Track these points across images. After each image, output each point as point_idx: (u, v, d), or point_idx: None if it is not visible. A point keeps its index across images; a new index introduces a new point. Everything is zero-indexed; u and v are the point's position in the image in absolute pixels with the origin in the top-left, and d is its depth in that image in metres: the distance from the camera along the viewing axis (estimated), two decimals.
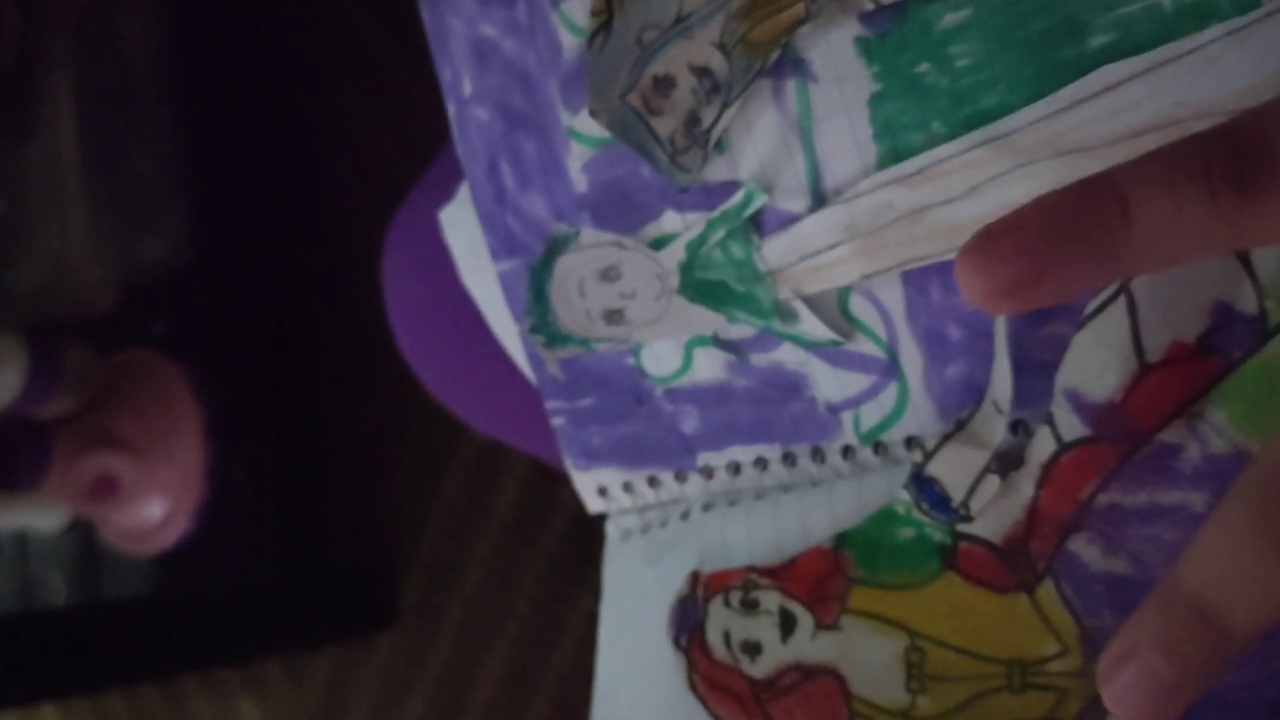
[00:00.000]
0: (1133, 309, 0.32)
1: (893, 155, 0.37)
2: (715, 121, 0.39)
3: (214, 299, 1.42)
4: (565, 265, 0.42)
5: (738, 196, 0.40)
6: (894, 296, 0.39)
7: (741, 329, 0.42)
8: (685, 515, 0.45)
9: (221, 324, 1.42)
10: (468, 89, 0.46)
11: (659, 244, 0.42)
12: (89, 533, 1.42)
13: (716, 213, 0.40)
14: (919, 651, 0.37)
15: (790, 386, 0.42)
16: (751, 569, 0.39)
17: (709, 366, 0.43)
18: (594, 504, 0.48)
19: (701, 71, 0.39)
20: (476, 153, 0.46)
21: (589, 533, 1.31)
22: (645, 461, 0.46)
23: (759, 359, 0.42)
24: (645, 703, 0.45)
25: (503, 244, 0.47)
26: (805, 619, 0.39)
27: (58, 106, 1.42)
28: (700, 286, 0.41)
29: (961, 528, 0.36)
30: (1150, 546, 0.33)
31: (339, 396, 1.47)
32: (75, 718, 1.69)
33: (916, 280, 0.38)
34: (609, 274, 0.41)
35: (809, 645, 0.38)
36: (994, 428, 0.36)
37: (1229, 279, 0.32)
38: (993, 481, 0.35)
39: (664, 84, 0.39)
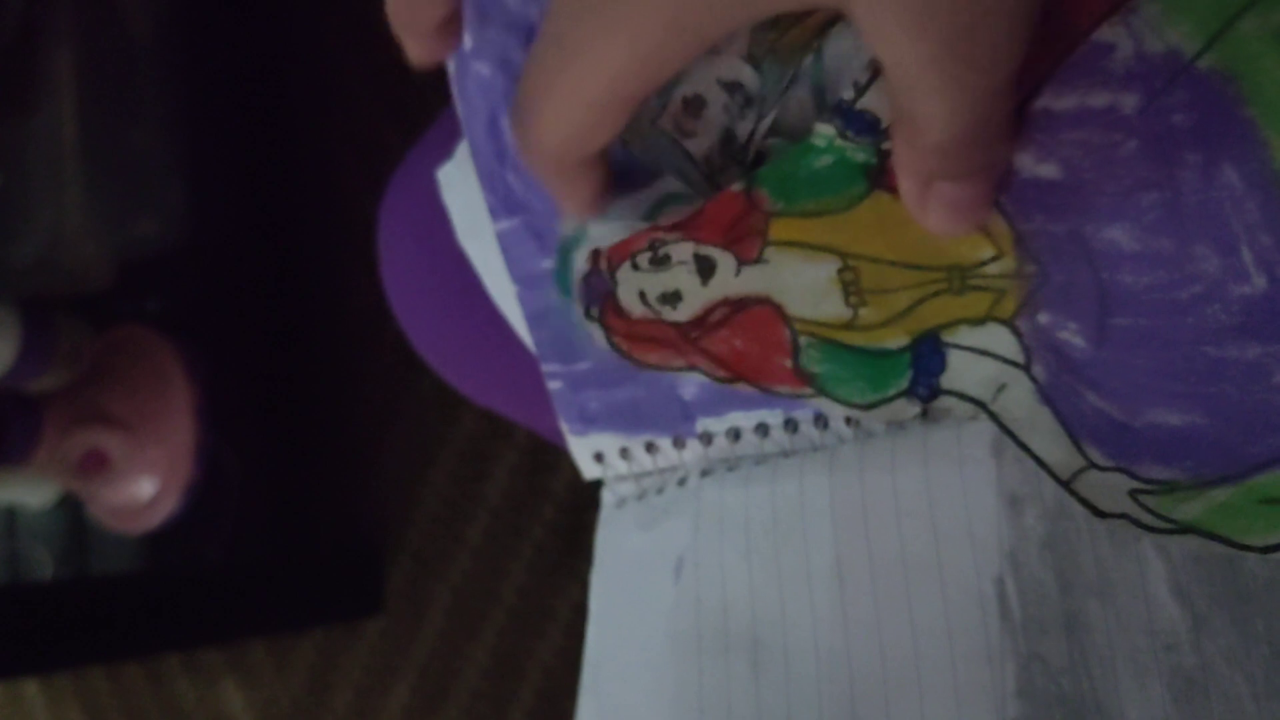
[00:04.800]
0: None
1: None
2: (751, 135, 0.39)
3: (209, 278, 1.41)
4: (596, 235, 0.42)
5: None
6: None
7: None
8: (682, 482, 0.45)
9: (216, 304, 1.42)
10: (468, 43, 0.45)
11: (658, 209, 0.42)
12: (77, 510, 1.41)
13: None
14: (852, 270, 0.37)
15: None
16: (655, 227, 0.39)
17: None
18: (589, 470, 0.48)
19: (732, 87, 0.39)
20: (476, 110, 0.46)
21: (579, 522, 1.31)
22: (643, 427, 0.45)
23: None
24: (635, 669, 0.44)
25: (502, 203, 0.46)
26: (725, 259, 0.38)
27: (58, 83, 1.41)
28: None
29: (888, 145, 0.36)
30: (1080, 150, 0.33)
31: (332, 380, 1.47)
32: (59, 697, 1.69)
33: None
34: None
35: (734, 281, 0.39)
36: None
37: None
38: None
39: (694, 104, 0.39)
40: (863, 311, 0.37)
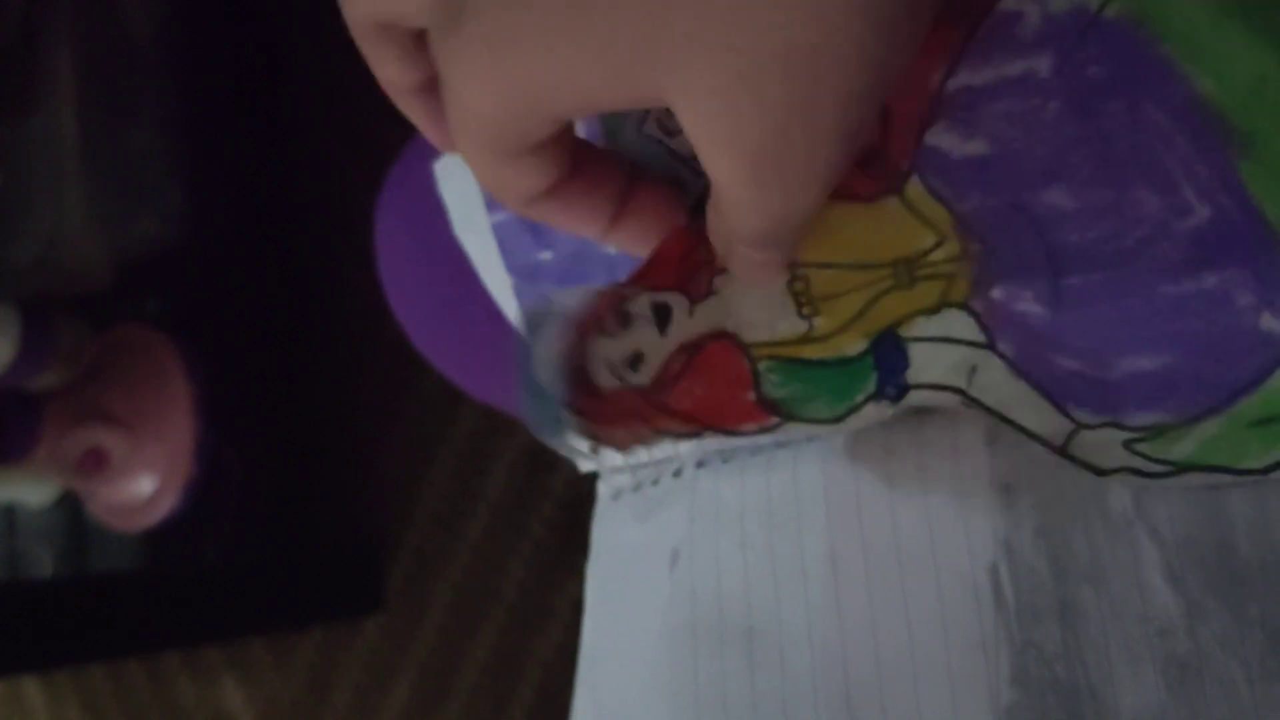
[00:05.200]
0: None
1: None
2: None
3: (209, 277, 1.42)
4: (549, 344, 0.41)
5: None
6: None
7: None
8: (678, 473, 0.45)
9: (216, 303, 1.42)
10: None
11: None
12: (77, 508, 1.41)
13: None
14: (802, 280, 0.36)
15: None
16: (618, 284, 0.38)
17: None
18: (584, 463, 0.48)
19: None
20: None
21: (578, 519, 1.31)
22: None
23: None
24: (631, 661, 0.44)
25: None
26: (678, 302, 0.38)
27: (58, 83, 1.41)
28: None
29: None
30: (1004, 122, 0.33)
31: (331, 379, 1.47)
32: (59, 695, 1.69)
33: None
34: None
35: (688, 323, 0.38)
36: None
37: None
38: None
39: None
40: (817, 321, 0.37)
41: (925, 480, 0.38)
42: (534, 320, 0.40)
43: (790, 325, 0.37)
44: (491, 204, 0.46)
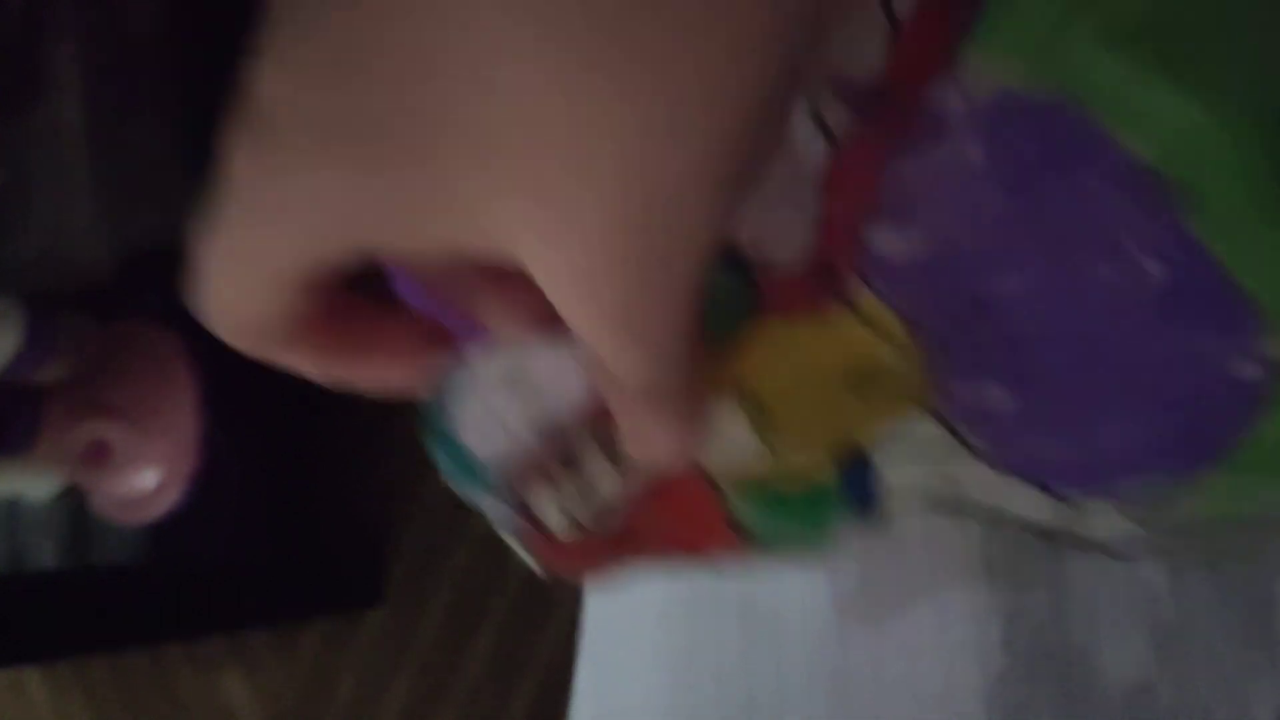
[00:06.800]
0: None
1: None
2: None
3: None
4: (463, 399, 0.39)
5: None
6: None
7: None
8: None
9: None
10: None
11: None
12: (80, 501, 1.42)
13: None
14: (759, 405, 0.35)
15: None
16: (554, 430, 0.37)
17: None
18: None
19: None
20: None
21: None
22: None
23: None
24: (631, 633, 0.45)
25: None
26: None
27: (61, 78, 1.42)
28: None
29: (758, 272, 0.35)
30: (943, 215, 0.32)
31: None
32: (62, 688, 1.69)
33: None
34: (513, 378, 0.38)
35: None
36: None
37: None
38: (781, 214, 0.34)
39: None
40: (779, 448, 0.35)
41: None
42: (433, 425, 0.38)
43: (753, 450, 0.36)
44: None
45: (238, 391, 1.40)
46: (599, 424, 0.35)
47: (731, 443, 0.36)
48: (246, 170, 0.25)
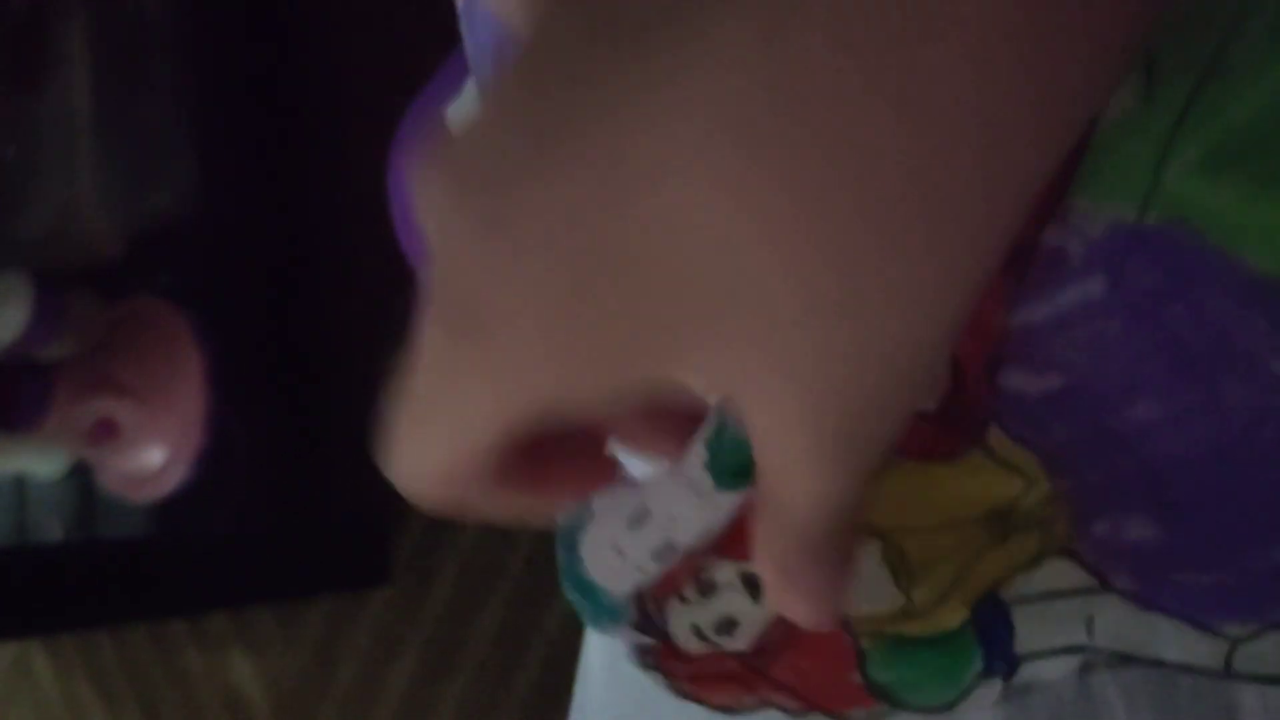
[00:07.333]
0: None
1: None
2: None
3: (220, 251, 1.42)
4: (591, 542, 0.40)
5: None
6: None
7: None
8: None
9: (227, 276, 1.43)
10: None
11: None
12: (87, 478, 1.42)
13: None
14: (896, 548, 0.35)
15: None
16: (692, 556, 0.38)
17: None
18: None
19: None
20: (484, 46, 0.47)
21: None
22: None
23: None
24: None
25: None
26: None
27: (70, 57, 1.42)
28: (739, 472, 0.39)
29: None
30: (1071, 350, 0.32)
31: (341, 351, 1.47)
32: (66, 667, 1.70)
33: None
34: (638, 519, 0.38)
35: None
36: None
37: None
38: None
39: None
40: (915, 593, 0.35)
41: None
42: (568, 537, 0.38)
43: (889, 597, 0.35)
44: None
45: (244, 370, 1.40)
46: (730, 551, 0.35)
47: (868, 587, 0.36)
48: (445, 343, 0.25)
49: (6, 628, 1.22)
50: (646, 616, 0.37)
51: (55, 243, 1.41)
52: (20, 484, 1.47)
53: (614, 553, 0.38)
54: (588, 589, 0.37)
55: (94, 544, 1.44)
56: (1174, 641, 0.34)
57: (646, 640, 0.37)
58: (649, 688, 0.44)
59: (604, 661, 0.48)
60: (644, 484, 0.36)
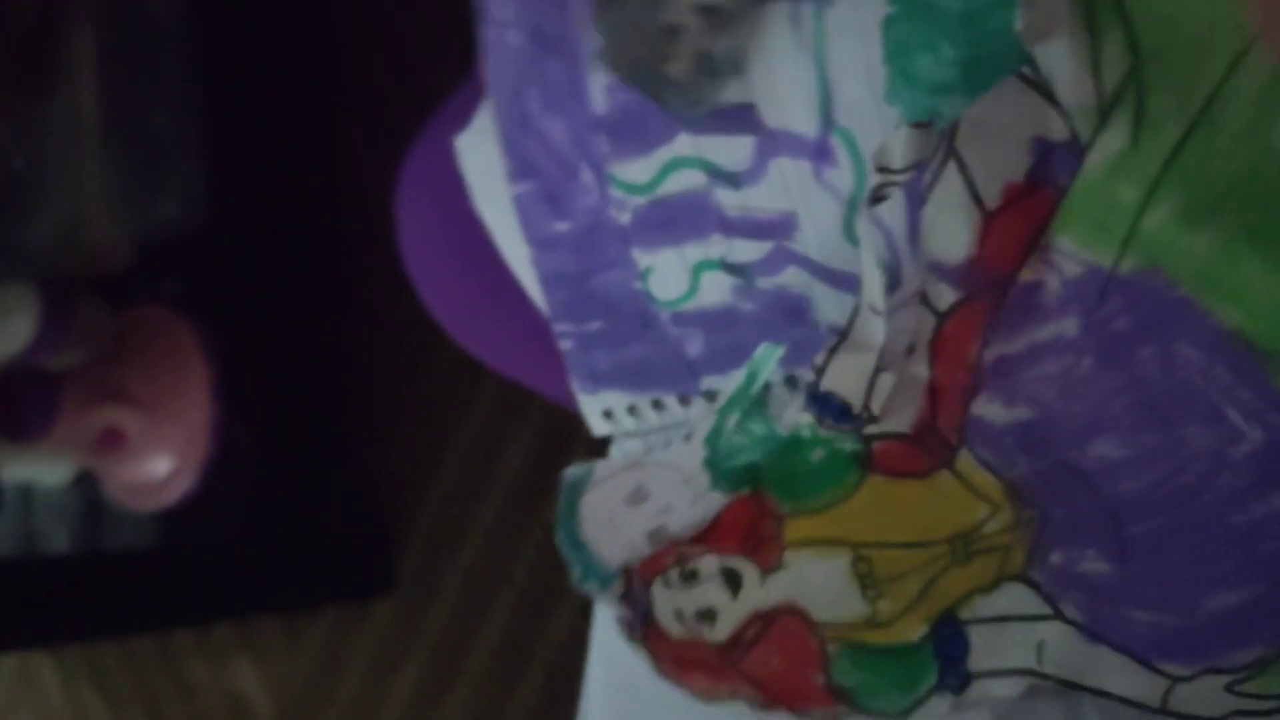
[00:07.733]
0: (962, 167, 0.33)
1: (904, 77, 0.38)
2: (729, 49, 0.40)
3: (227, 260, 1.43)
4: (590, 505, 0.42)
5: (741, 377, 0.40)
6: (897, 216, 0.39)
7: (749, 251, 0.43)
8: (688, 438, 0.46)
9: (234, 285, 1.43)
10: (508, 13, 0.46)
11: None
12: (93, 487, 1.42)
13: (724, 400, 0.41)
14: (865, 561, 0.37)
15: (795, 310, 0.42)
16: (677, 543, 0.39)
17: (715, 290, 0.44)
18: (599, 427, 0.49)
19: (708, 10, 0.39)
20: (505, 76, 0.47)
21: None
22: (650, 385, 0.46)
23: (764, 282, 0.43)
24: None
25: (520, 167, 0.47)
26: (749, 570, 0.39)
27: (79, 65, 1.42)
28: (732, 476, 0.41)
29: (870, 429, 0.36)
30: (1042, 385, 0.34)
31: (347, 362, 1.48)
32: (73, 676, 1.70)
33: (919, 201, 0.39)
34: (635, 497, 0.41)
35: (760, 592, 0.39)
36: (873, 329, 0.36)
37: (1037, 115, 0.32)
38: (886, 379, 0.35)
39: (671, 33, 0.40)
40: (880, 605, 0.37)
41: None
42: (572, 490, 0.40)
43: (855, 607, 0.37)
44: (514, 174, 0.47)
45: (251, 380, 1.41)
46: (714, 543, 0.38)
47: (838, 592, 0.37)
48: None
49: (13, 637, 1.22)
50: (633, 591, 0.40)
51: (62, 252, 1.42)
52: (26, 493, 1.47)
53: (609, 523, 0.41)
54: (581, 547, 0.40)
55: (100, 553, 1.44)
56: (1117, 674, 0.35)
57: (632, 614, 0.39)
58: (653, 698, 0.45)
59: (609, 671, 0.48)
60: (646, 464, 0.38)
